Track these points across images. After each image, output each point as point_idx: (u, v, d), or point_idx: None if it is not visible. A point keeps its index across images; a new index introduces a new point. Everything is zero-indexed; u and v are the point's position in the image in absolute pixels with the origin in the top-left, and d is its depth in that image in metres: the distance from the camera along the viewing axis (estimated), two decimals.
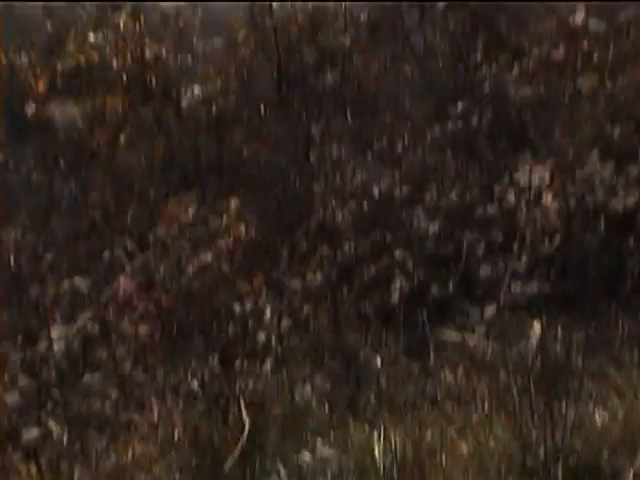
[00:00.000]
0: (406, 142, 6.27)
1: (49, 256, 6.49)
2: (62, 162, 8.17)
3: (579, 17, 6.02)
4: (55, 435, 4.65)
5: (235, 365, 5.11)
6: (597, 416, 3.67)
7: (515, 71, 5.72)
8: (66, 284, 5.97)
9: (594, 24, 5.90)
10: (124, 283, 5.84)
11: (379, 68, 8.06)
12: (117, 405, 4.96)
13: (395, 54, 7.89)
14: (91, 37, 7.47)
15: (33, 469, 4.31)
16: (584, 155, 4.95)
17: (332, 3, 8.24)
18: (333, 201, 6.15)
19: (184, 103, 7.91)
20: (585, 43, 6.18)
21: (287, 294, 5.70)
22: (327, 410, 4.43)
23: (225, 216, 6.11)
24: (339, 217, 6.11)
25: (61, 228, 7.92)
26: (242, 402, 4.20)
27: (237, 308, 5.47)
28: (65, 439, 4.56)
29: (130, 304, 5.73)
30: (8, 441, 4.69)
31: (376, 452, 3.55)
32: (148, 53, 7.70)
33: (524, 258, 4.53)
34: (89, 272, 6.35)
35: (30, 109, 7.42)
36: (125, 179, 8.17)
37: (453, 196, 5.58)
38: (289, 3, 8.07)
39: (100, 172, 7.95)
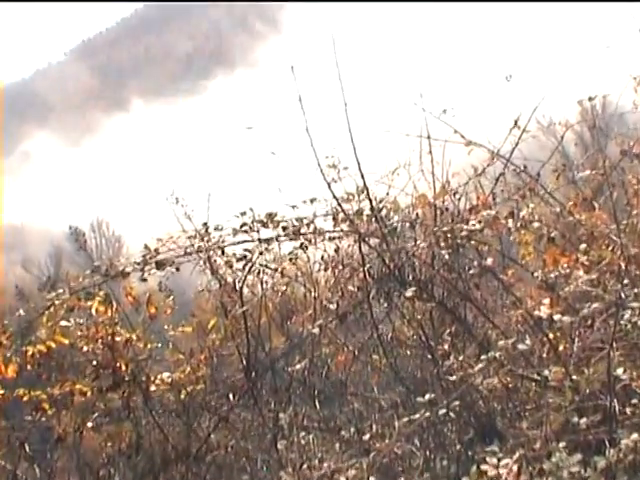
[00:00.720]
0: (374, 431, 6.24)
1: None
2: (28, 447, 8.09)
3: (545, 309, 6.15)
4: None
5: None
6: None
7: (482, 361, 5.77)
8: None
9: (559, 316, 6.02)
10: None
11: (348, 356, 8.16)
12: None
13: (363, 342, 8.01)
14: (63, 322, 7.56)
15: None
16: (551, 446, 4.93)
17: (302, 291, 8.44)
18: None
19: (153, 388, 7.93)
20: (551, 335, 6.29)
21: None
22: None
23: None
24: None
25: None
26: None
27: None
28: None
29: None
30: None
31: None
32: (119, 338, 7.78)
33: None
34: None
35: None
36: (91, 464, 8.07)
37: None
38: (259, 290, 8.25)
39: (66, 457, 7.87)
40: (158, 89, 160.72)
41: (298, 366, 7.58)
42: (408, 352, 7.80)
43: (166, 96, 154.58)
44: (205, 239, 7.57)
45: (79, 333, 7.72)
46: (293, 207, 7.46)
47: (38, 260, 66.95)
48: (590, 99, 7.68)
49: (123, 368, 7.76)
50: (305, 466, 6.27)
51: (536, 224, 7.23)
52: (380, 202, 7.44)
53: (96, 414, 7.88)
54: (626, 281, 5.96)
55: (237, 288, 7.89)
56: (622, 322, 5.79)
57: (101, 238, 75.07)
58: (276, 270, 8.08)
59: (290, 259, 7.89)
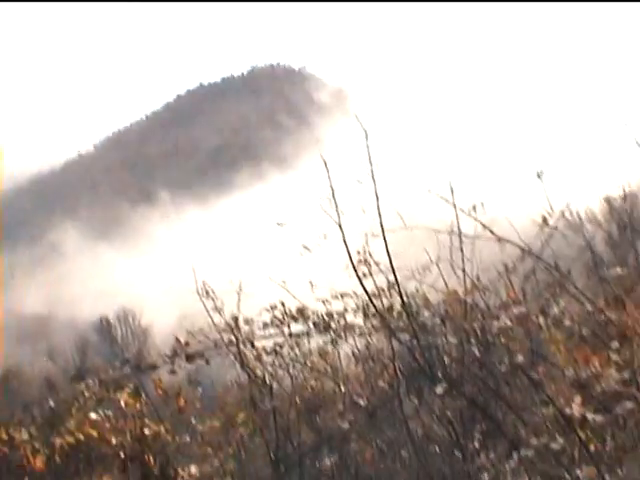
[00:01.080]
0: None
1: None
2: None
3: (576, 408, 6.09)
4: None
5: None
6: None
7: (513, 460, 5.71)
8: None
9: (591, 415, 5.96)
10: None
11: (376, 452, 8.09)
12: None
13: (393, 439, 7.94)
14: (92, 415, 7.55)
15: None
16: None
17: (331, 386, 8.41)
18: None
19: None
20: (582, 434, 6.22)
21: None
22: None
23: None
24: None
25: None
26: None
27: None
28: None
29: None
30: None
31: None
32: (147, 431, 7.75)
33: None
34: None
35: None
36: None
37: None
38: (289, 384, 8.24)
39: None
40: (185, 182, 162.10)
41: (327, 461, 7.53)
42: (437, 450, 7.72)
43: (193, 189, 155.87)
44: (235, 332, 7.60)
45: (107, 425, 7.69)
46: (324, 302, 7.50)
47: (64, 350, 67.04)
48: (623, 198, 7.69)
49: (151, 461, 7.72)
50: None
51: (567, 322, 7.20)
52: (411, 298, 7.46)
53: None
54: None
55: (267, 382, 7.89)
56: None
57: (127, 329, 75.29)
58: (305, 364, 8.08)
59: (320, 354, 7.90)
